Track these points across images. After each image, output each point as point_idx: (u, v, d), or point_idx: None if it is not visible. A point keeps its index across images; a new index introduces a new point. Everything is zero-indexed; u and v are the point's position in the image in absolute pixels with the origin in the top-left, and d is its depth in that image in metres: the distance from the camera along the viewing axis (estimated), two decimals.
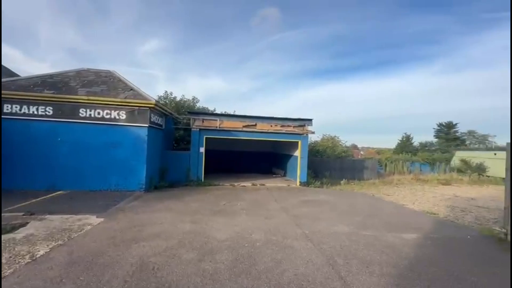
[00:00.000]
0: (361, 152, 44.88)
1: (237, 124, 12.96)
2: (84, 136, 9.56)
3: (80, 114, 9.46)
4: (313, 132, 13.65)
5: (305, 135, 13.50)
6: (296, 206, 8.68)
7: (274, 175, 17.33)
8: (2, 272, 3.60)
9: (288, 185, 13.27)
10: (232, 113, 15.83)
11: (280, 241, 5.27)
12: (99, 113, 9.58)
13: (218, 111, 17.87)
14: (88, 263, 3.99)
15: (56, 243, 4.73)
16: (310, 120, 13.55)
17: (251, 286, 3.49)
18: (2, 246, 4.48)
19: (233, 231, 5.81)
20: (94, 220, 6.24)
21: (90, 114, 9.52)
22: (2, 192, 8.49)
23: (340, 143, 23.02)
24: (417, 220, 7.59)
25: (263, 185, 13.05)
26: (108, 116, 9.62)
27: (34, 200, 7.88)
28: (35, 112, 9.17)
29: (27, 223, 5.85)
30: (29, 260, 3.99)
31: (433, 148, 39.23)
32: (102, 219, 6.29)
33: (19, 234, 5.14)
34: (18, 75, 12.74)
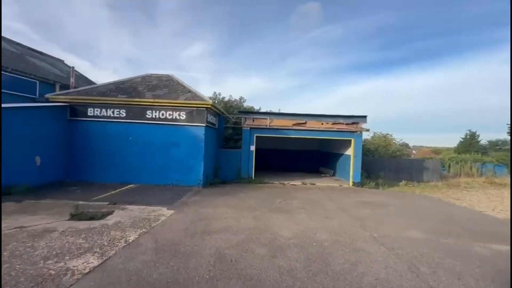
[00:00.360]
0: (413, 152, 40.92)
1: (287, 123, 12.90)
2: (150, 135, 10.54)
3: (147, 116, 10.45)
4: (367, 130, 12.86)
5: (358, 133, 12.79)
6: (354, 207, 8.29)
7: (322, 175, 16.82)
8: (106, 252, 4.16)
9: (340, 185, 12.75)
10: (278, 111, 15.83)
11: (348, 242, 5.07)
12: (162, 114, 10.46)
13: (261, 110, 18.06)
14: (173, 250, 4.37)
15: (141, 230, 5.29)
16: (364, 117, 12.80)
17: (332, 287, 3.42)
18: (99, 230, 5.18)
19: (297, 229, 5.79)
20: (166, 211, 6.83)
21: (155, 116, 10.45)
22: (87, 184, 9.86)
23: (394, 141, 21.28)
24: (504, 230, 6.60)
25: (314, 184, 12.78)
26: (170, 117, 10.44)
27: (112, 192, 8.95)
28: (112, 115, 10.42)
29: (113, 211, 6.66)
30: (125, 244, 4.54)
31: (507, 147, 33.67)
32: (172, 211, 6.85)
33: (110, 221, 5.87)
34: (94, 83, 14.62)
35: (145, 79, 12.20)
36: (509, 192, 13.71)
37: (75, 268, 3.61)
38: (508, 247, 5.20)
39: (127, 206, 7.19)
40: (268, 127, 12.83)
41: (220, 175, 12.46)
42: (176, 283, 3.34)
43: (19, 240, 4.48)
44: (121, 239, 4.77)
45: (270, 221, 6.37)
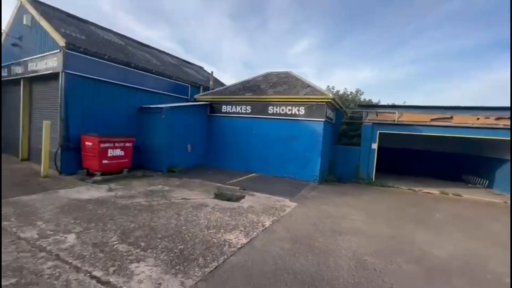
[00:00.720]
0: None
1: (422, 117, 10.66)
2: (270, 130, 11.26)
3: (269, 111, 11.20)
4: None
5: None
6: None
7: (469, 184, 13.03)
8: (250, 232, 4.65)
9: (505, 202, 9.40)
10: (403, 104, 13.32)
11: None
12: (282, 110, 10.93)
13: (381, 103, 15.72)
14: (307, 244, 4.39)
15: (273, 218, 5.65)
16: None
17: None
18: (238, 211, 5.91)
19: (453, 250, 4.61)
20: (289, 203, 7.07)
21: (276, 111, 11.06)
22: (219, 170, 11.67)
23: None
24: None
25: (459, 195, 10.03)
26: (290, 112, 10.78)
27: (239, 178, 10.16)
28: (240, 111, 11.85)
29: (244, 196, 7.50)
30: (262, 228, 4.96)
31: None
32: (295, 204, 7.01)
33: (244, 204, 6.63)
34: (224, 84, 17.15)
35: (266, 77, 13.12)
36: None
37: (230, 241, 4.22)
38: None
39: (254, 193, 7.95)
40: (396, 122, 11.04)
41: (335, 173, 11.86)
42: (321, 280, 3.28)
43: (187, 209, 5.74)
44: (258, 223, 5.25)
45: (409, 232, 5.40)
